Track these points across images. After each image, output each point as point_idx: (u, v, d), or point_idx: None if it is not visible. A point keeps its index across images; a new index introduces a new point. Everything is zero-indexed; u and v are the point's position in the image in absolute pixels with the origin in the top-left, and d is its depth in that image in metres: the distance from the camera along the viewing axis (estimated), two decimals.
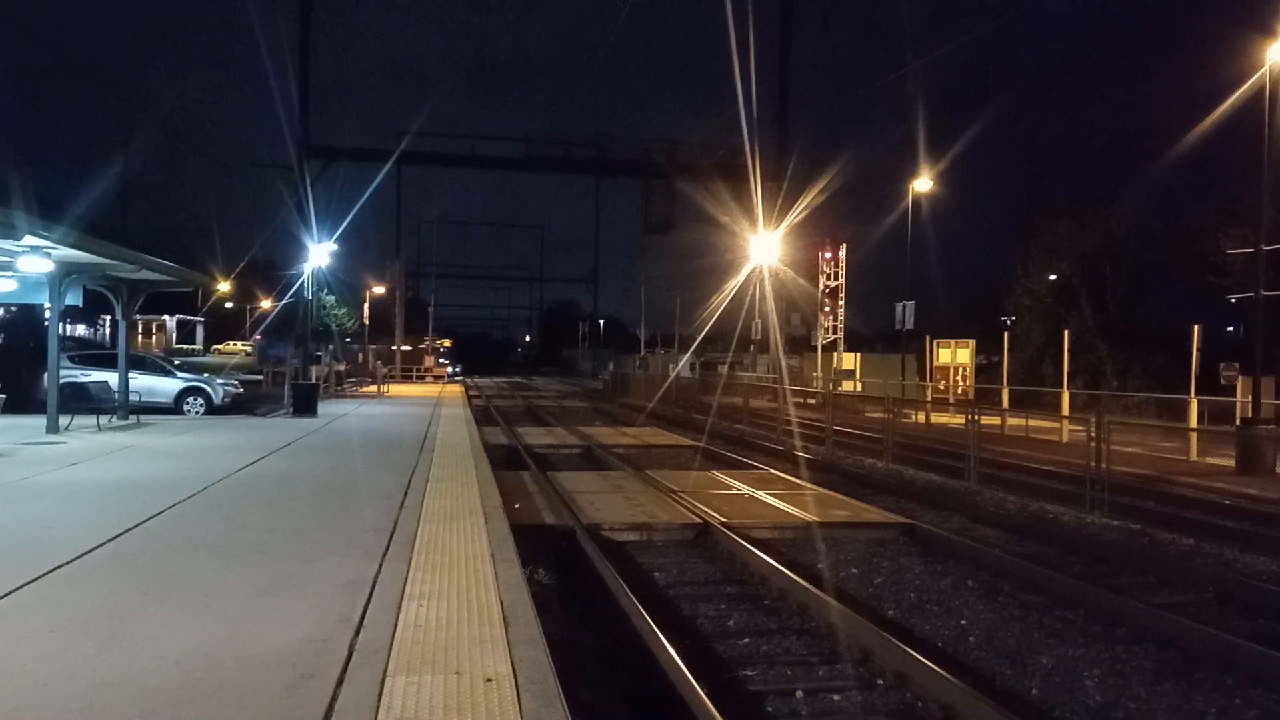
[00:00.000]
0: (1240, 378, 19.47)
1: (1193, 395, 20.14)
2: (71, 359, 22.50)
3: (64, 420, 16.31)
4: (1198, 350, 20.37)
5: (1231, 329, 37.13)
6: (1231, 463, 16.60)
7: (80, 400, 17.82)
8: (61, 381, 16.87)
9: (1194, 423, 20.22)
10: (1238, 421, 18.84)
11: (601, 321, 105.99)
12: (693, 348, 51.61)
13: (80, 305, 19.10)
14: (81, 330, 52.41)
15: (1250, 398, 17.38)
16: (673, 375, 39.04)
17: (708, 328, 47.36)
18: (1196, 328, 20.67)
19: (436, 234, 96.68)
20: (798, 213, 37.24)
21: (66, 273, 16.25)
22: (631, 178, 50.33)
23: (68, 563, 6.55)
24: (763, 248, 38.34)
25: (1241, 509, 12.98)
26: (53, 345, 16.50)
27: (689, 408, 31.05)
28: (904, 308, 35.85)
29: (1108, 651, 7.11)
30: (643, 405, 33.77)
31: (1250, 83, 17.29)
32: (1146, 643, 7.26)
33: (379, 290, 62.22)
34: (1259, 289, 16.93)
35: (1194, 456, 18.29)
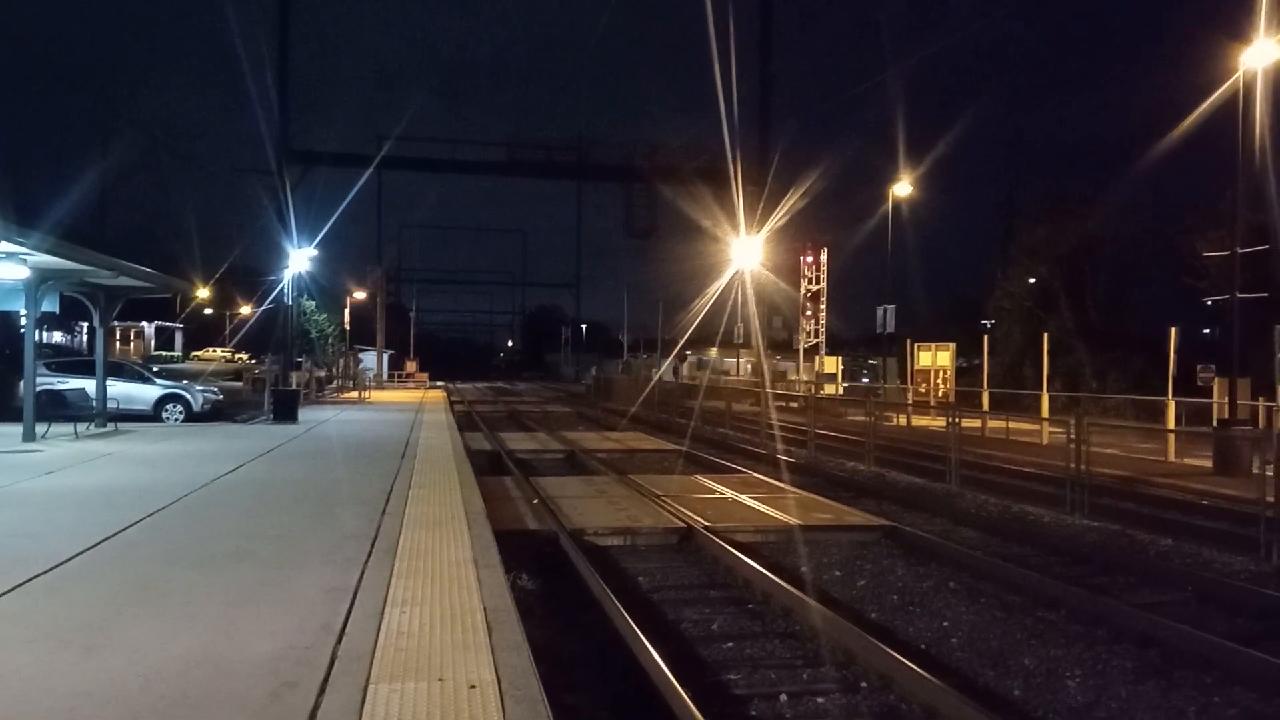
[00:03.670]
0: (1217, 379, 19.66)
1: (1170, 397, 20.33)
2: (48, 366, 22.27)
3: (41, 428, 16.14)
4: (1175, 352, 20.57)
5: (1208, 331, 37.51)
6: (1209, 463, 16.74)
7: (57, 408, 17.64)
8: (38, 389, 16.69)
9: (1172, 424, 20.40)
10: (1214, 423, 19.00)
11: (584, 326, 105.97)
12: (675, 351, 51.68)
13: (57, 312, 18.90)
14: (58, 337, 51.87)
15: (1227, 399, 17.55)
16: (655, 379, 39.07)
17: (690, 332, 47.45)
18: (1174, 330, 20.88)
19: (418, 239, 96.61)
20: (779, 217, 37.38)
21: (43, 279, 16.09)
22: (614, 182, 50.38)
23: (45, 572, 6.48)
24: (744, 252, 38.43)
25: (1219, 509, 13.09)
26: (29, 352, 16.33)
27: (672, 412, 31.06)
28: (885, 311, 36.03)
29: (1089, 651, 7.16)
30: (626, 410, 33.78)
31: (1225, 87, 17.49)
32: (1127, 642, 7.31)
33: (360, 296, 61.95)
34: (1235, 291, 17.10)
35: (1172, 457, 18.45)
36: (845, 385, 38.83)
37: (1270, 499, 10.32)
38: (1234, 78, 16.88)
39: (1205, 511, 13.14)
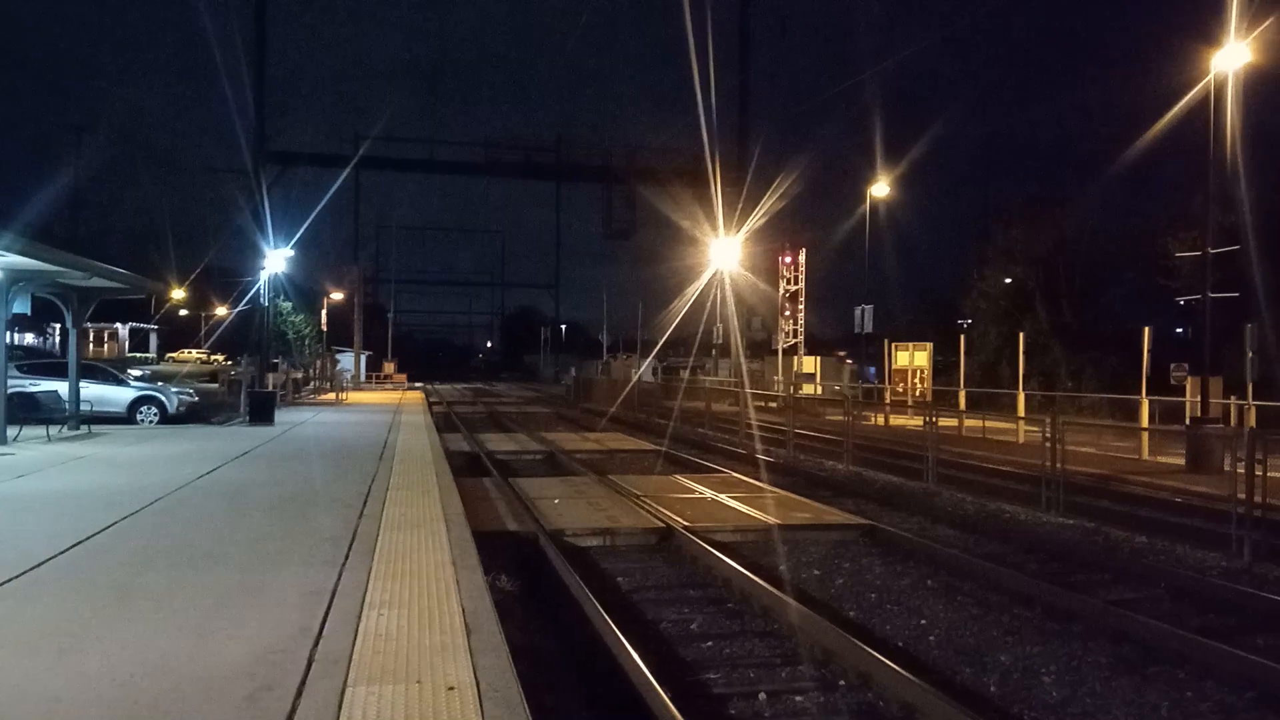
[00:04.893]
0: (1189, 378, 19.89)
1: (1144, 395, 20.55)
2: (20, 368, 21.97)
3: (12, 431, 15.94)
4: (1149, 351, 20.79)
5: (1181, 330, 37.97)
6: (1182, 461, 16.93)
7: (29, 410, 17.41)
8: (10, 391, 16.48)
9: (1145, 422, 20.63)
10: (1187, 421, 19.23)
11: (563, 326, 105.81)
12: (654, 352, 51.69)
13: (29, 313, 18.69)
14: (30, 339, 51.26)
15: (1199, 397, 17.76)
16: (634, 380, 39.06)
17: (669, 332, 47.51)
18: (1147, 330, 21.10)
19: (396, 239, 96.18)
20: (758, 217, 37.50)
21: (14, 280, 15.89)
22: (592, 183, 50.38)
23: (17, 577, 6.40)
24: (723, 252, 38.54)
25: (1192, 506, 13.24)
26: (0, 354, 16.11)
27: (651, 412, 31.07)
28: (863, 311, 36.20)
29: (1064, 648, 7.23)
30: (605, 410, 33.74)
31: (1196, 90, 17.70)
32: (1102, 638, 7.39)
33: (337, 296, 61.57)
34: (1207, 291, 17.30)
35: (1146, 455, 18.65)
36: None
37: (1242, 496, 10.45)
38: (1205, 80, 17.08)
39: (1178, 509, 13.29)
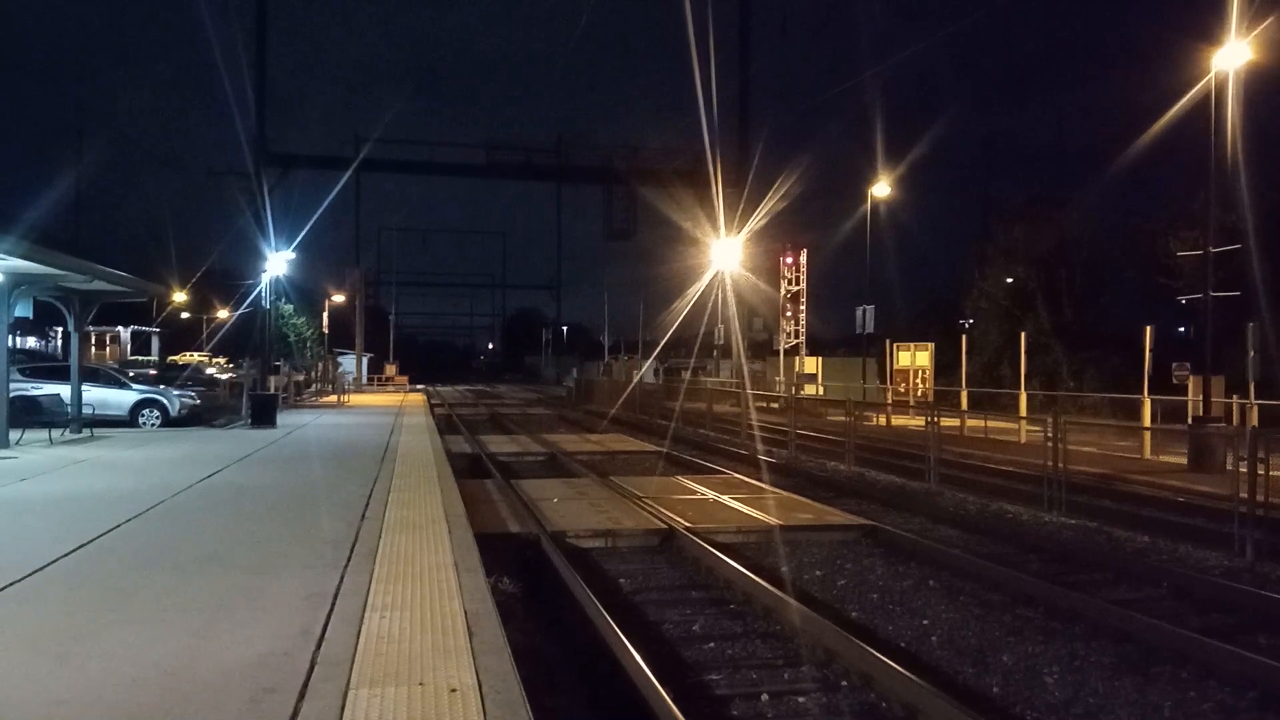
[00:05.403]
0: (1191, 377, 19.87)
1: (1146, 395, 20.54)
2: (22, 371, 21.99)
3: (14, 434, 15.96)
4: (1150, 350, 20.78)
5: (1183, 329, 37.90)
6: (1184, 460, 16.93)
7: (31, 414, 17.43)
8: (12, 395, 16.49)
9: (1147, 422, 20.62)
10: (1189, 420, 19.21)
11: (565, 328, 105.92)
12: (655, 353, 51.70)
13: (30, 316, 18.70)
14: (32, 342, 51.28)
15: (1201, 396, 17.74)
16: (636, 381, 39.04)
17: (671, 333, 47.54)
18: (1149, 329, 21.09)
19: (397, 241, 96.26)
20: (759, 218, 37.50)
21: (16, 284, 15.91)
22: (593, 184, 50.41)
23: (19, 580, 6.41)
24: (724, 253, 38.54)
25: (1194, 505, 13.24)
26: (2, 357, 16.13)
27: (653, 413, 31.07)
28: (864, 311, 36.18)
29: (1067, 648, 7.22)
30: (607, 412, 33.74)
31: (1197, 89, 17.69)
32: (1104, 638, 7.38)
33: (339, 299, 61.58)
34: (1208, 290, 17.29)
35: (1148, 455, 18.64)
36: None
37: (1244, 495, 10.44)
38: (1205, 79, 17.07)
39: (1181, 508, 13.28)
